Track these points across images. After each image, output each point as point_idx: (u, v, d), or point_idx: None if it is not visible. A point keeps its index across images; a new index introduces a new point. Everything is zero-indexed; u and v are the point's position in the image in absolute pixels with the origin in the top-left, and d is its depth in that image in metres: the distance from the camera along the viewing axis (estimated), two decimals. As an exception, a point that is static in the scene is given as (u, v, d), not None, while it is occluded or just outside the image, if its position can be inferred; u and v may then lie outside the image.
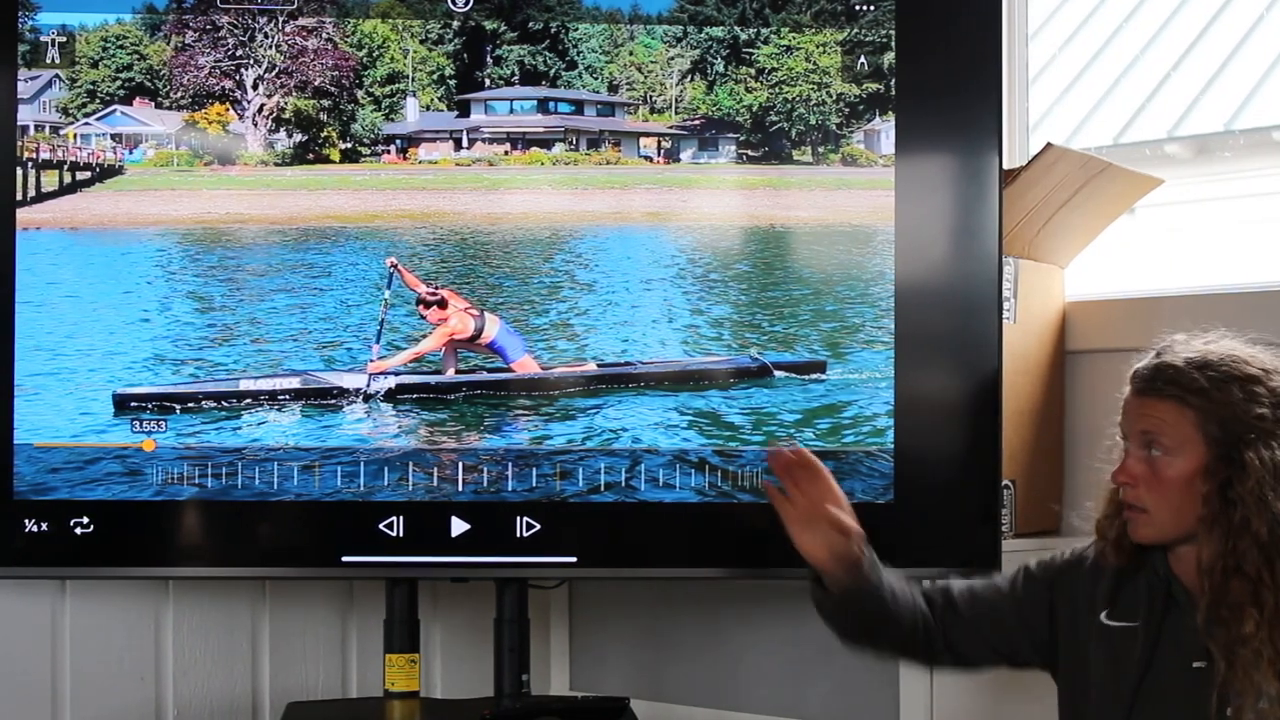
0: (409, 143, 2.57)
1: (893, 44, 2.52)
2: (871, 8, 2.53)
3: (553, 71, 2.57)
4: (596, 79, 2.58)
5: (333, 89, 2.55)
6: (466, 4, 2.54)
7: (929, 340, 2.49)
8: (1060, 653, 2.07)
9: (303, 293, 2.54)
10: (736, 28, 2.57)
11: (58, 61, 2.50)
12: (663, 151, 2.59)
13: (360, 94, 2.55)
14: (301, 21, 2.53)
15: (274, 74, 2.53)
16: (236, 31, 2.52)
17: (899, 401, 2.47)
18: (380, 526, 2.46)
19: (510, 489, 2.48)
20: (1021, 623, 2.11)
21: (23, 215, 2.46)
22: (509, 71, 2.57)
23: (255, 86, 2.53)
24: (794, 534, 2.11)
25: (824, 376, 2.53)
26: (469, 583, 2.68)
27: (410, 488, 2.47)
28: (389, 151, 2.56)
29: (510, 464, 2.48)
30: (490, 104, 2.58)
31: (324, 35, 2.53)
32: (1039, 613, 2.09)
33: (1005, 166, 2.52)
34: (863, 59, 2.54)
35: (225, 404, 2.48)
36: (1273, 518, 1.86)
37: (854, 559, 2.07)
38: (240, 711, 2.82)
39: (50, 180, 2.51)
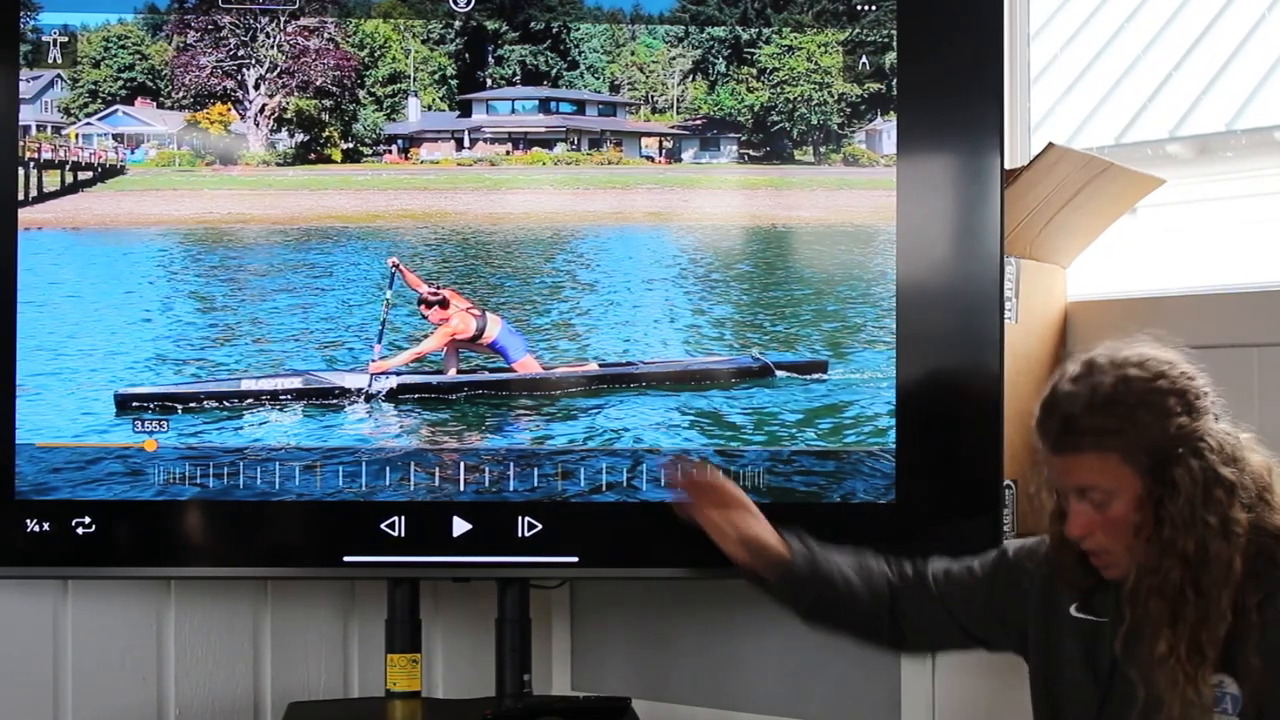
0: (411, 143, 2.57)
1: (894, 44, 2.52)
2: (873, 8, 2.53)
3: (554, 71, 2.57)
4: (598, 79, 2.58)
5: (334, 89, 2.55)
6: (468, 4, 2.54)
7: (931, 340, 2.49)
8: (1030, 641, 2.07)
9: (304, 293, 2.54)
10: (738, 28, 2.57)
11: (59, 61, 2.51)
12: (664, 151, 2.59)
13: (362, 94, 2.55)
14: (303, 21, 2.53)
15: (276, 74, 2.53)
16: (238, 31, 2.52)
17: (900, 401, 2.47)
18: (382, 526, 2.46)
19: (512, 489, 2.48)
20: (991, 607, 2.12)
21: (24, 215, 2.46)
22: (510, 71, 2.57)
23: (257, 86, 2.53)
24: (715, 539, 2.24)
25: (825, 376, 2.52)
26: (471, 583, 2.68)
27: (412, 488, 2.47)
28: (390, 151, 2.56)
29: (512, 464, 2.48)
30: (492, 104, 2.58)
31: (325, 35, 2.54)
32: (1010, 598, 2.10)
33: (1007, 166, 2.52)
34: (864, 59, 2.54)
35: (227, 404, 2.49)
36: (1201, 532, 1.83)
37: (776, 558, 2.18)
38: (242, 711, 2.82)
39: (52, 180, 2.51)
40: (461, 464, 2.48)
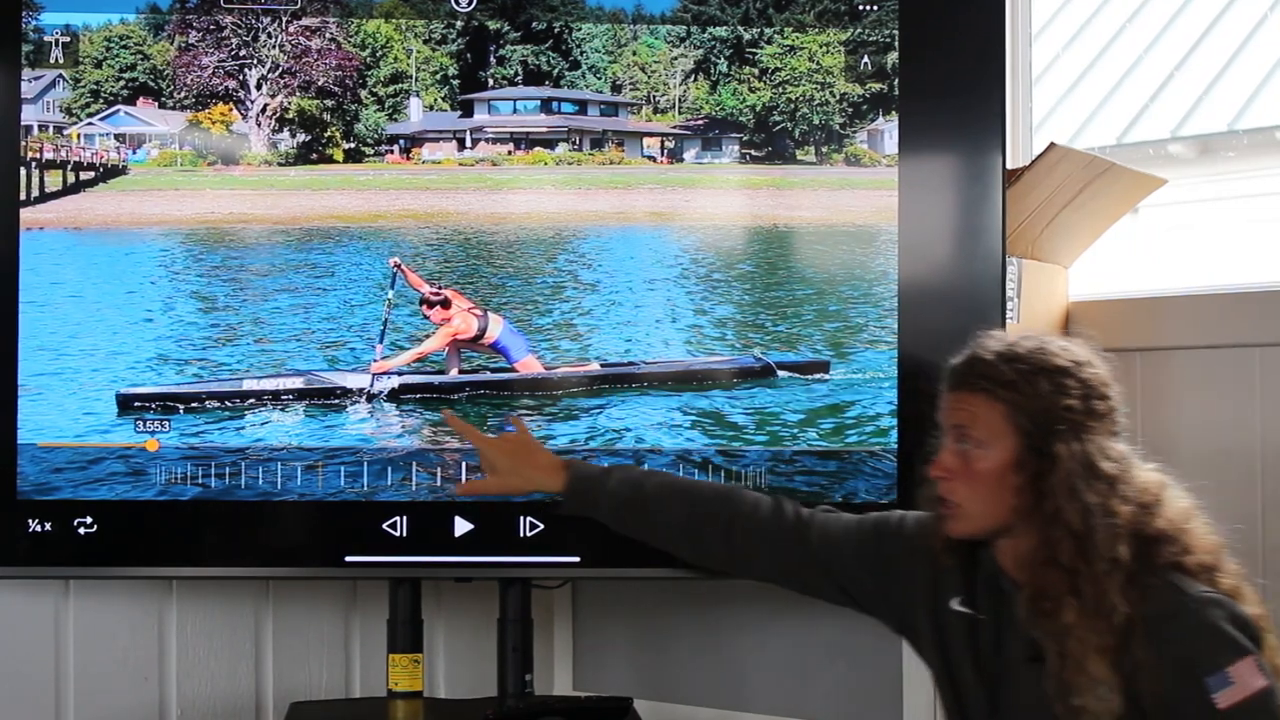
0: (412, 143, 2.57)
1: (896, 44, 2.52)
2: (875, 7, 2.53)
3: (556, 71, 2.57)
4: (600, 79, 2.58)
5: (336, 89, 2.55)
6: (470, 4, 2.54)
7: (932, 340, 2.48)
8: (921, 634, 2.06)
9: (306, 293, 2.55)
10: (740, 27, 2.57)
11: (61, 61, 2.51)
12: (666, 151, 2.59)
13: (364, 94, 2.55)
14: (305, 21, 2.53)
15: (277, 74, 2.53)
16: (240, 31, 2.52)
17: (902, 401, 2.47)
18: (384, 526, 2.46)
19: (514, 489, 2.48)
20: (877, 581, 2.09)
21: (27, 215, 2.46)
22: (512, 71, 2.57)
23: (259, 86, 2.53)
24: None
25: (827, 376, 2.53)
26: (472, 583, 2.68)
27: (414, 488, 2.47)
28: (392, 151, 2.56)
29: (514, 464, 2.48)
30: (493, 104, 2.58)
31: (327, 35, 2.54)
32: (897, 577, 2.07)
33: (1009, 166, 2.53)
34: (866, 59, 2.54)
35: (229, 404, 2.49)
36: (1084, 508, 1.84)
37: (553, 490, 2.21)
38: (244, 711, 2.82)
39: (54, 180, 2.51)
40: (463, 464, 2.48)
